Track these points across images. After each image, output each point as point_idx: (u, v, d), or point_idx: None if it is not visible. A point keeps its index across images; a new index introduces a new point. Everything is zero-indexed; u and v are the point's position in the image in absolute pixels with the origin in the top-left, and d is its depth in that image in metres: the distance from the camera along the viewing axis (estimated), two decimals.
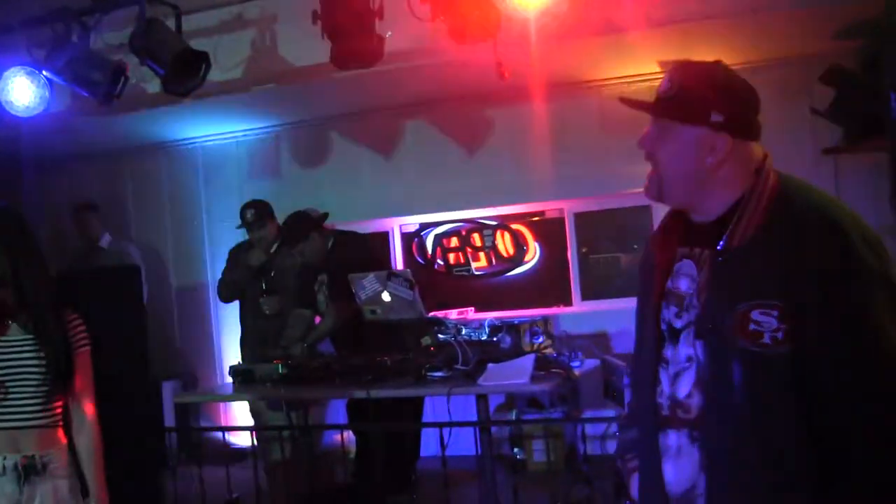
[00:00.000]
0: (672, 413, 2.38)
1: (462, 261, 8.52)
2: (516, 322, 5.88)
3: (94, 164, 9.06)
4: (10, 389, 3.47)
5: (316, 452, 7.03)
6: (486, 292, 8.30)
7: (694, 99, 2.31)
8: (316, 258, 6.79)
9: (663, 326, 2.42)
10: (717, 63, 2.37)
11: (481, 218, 8.47)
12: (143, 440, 6.32)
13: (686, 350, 2.35)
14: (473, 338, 5.88)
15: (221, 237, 8.60)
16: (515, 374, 5.39)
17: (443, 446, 5.48)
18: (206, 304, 9.05)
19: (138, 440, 6.25)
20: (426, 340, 6.01)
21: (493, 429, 6.46)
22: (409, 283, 5.99)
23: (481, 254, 8.46)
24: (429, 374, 5.71)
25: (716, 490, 2.28)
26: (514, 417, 7.41)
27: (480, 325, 5.98)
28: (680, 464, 2.36)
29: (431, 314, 6.21)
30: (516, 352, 5.69)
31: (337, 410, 7.85)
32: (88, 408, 3.68)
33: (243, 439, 7.63)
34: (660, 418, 2.40)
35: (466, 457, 5.80)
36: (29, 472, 3.48)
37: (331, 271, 6.76)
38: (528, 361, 5.44)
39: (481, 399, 5.70)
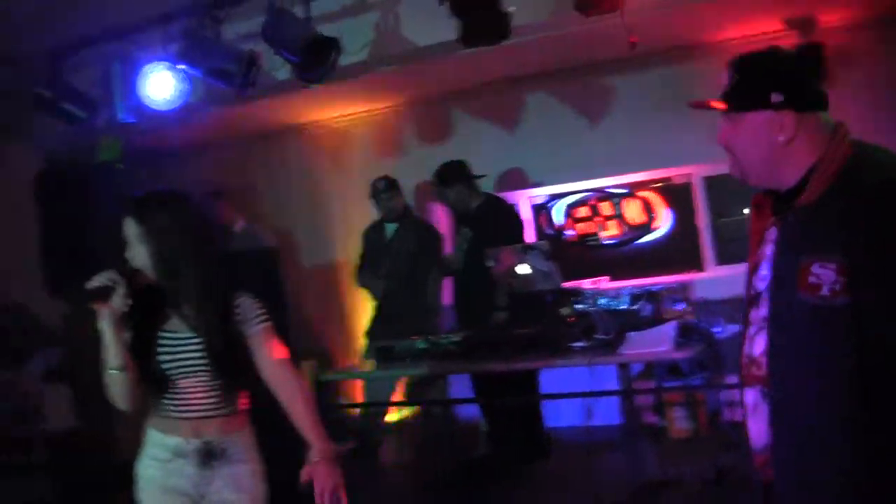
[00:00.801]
0: (748, 371, 2.52)
1: (592, 230, 8.51)
2: (656, 289, 5.85)
3: (224, 152, 9.23)
4: (180, 383, 3.52)
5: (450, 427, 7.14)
6: (617, 261, 8.26)
7: (752, 86, 2.46)
8: (459, 206, 7.06)
9: (752, 291, 2.56)
10: (770, 47, 2.51)
11: (609, 186, 8.44)
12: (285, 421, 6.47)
13: (764, 310, 2.47)
14: (612, 307, 5.88)
15: (351, 217, 8.72)
16: (658, 342, 5.38)
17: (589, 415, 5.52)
18: (338, 284, 9.18)
19: (280, 421, 6.41)
20: (565, 311, 6.02)
21: (634, 398, 6.48)
22: (546, 255, 6.02)
23: (610, 222, 8.43)
24: (569, 344, 5.73)
25: (777, 434, 2.40)
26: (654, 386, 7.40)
27: (618, 293, 5.97)
28: (756, 419, 2.50)
29: (567, 285, 6.24)
30: (657, 319, 5.66)
31: (461, 385, 7.92)
32: (287, 374, 3.64)
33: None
34: (742, 377, 2.56)
35: (604, 426, 5.81)
36: (209, 456, 3.55)
37: (476, 230, 6.95)
38: (669, 329, 5.42)
39: (623, 368, 5.71)
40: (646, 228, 8.27)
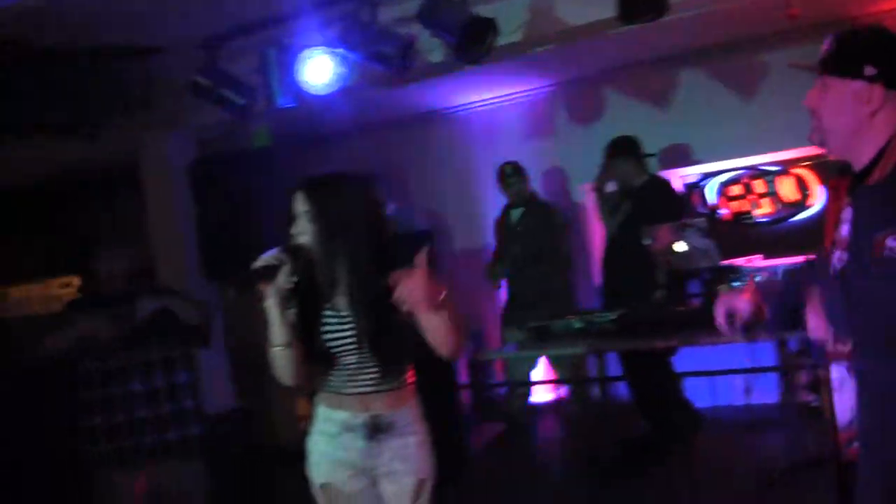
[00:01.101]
0: (833, 348, 2.61)
1: (745, 208, 8.43)
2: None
3: (374, 136, 9.38)
4: (345, 359, 3.59)
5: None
6: (771, 239, 8.17)
7: (849, 55, 2.57)
8: (623, 181, 7.11)
9: (832, 271, 2.60)
10: (874, 24, 2.66)
11: (763, 164, 8.34)
12: (443, 398, 6.60)
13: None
14: None
15: (501, 199, 8.80)
16: None
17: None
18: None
19: (439, 397, 6.54)
20: (722, 289, 5.99)
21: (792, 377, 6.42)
22: (704, 232, 6.01)
23: (764, 200, 8.34)
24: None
25: (864, 402, 2.49)
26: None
27: (775, 271, 5.93)
28: (842, 396, 2.59)
29: (724, 262, 6.21)
30: None
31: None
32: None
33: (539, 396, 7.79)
34: (828, 355, 2.65)
35: (762, 405, 5.78)
36: (376, 430, 3.63)
37: (636, 207, 6.99)
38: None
39: (782, 345, 5.68)
40: (800, 206, 8.16)
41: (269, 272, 3.44)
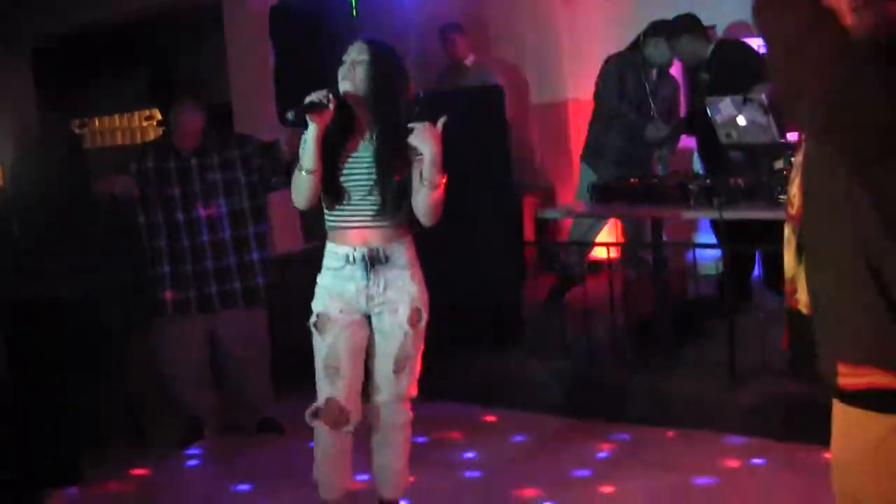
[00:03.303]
0: (785, 209, 2.65)
1: None
2: None
3: None
4: (353, 196, 4.19)
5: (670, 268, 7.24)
6: None
7: None
8: (691, 59, 7.18)
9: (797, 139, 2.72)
10: None
11: None
12: (506, 254, 6.77)
13: (800, 157, 2.58)
14: None
15: (581, 54, 8.79)
16: None
17: None
18: (564, 123, 9.32)
19: (502, 253, 6.71)
20: (779, 164, 6.02)
21: None
22: (764, 109, 6.00)
23: None
24: (780, 197, 5.77)
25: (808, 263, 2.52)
26: None
27: None
28: (788, 252, 2.63)
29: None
30: None
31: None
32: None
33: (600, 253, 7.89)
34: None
35: None
36: (374, 261, 4.21)
37: (712, 76, 7.01)
38: None
39: None
40: None
41: (318, 107, 4.02)
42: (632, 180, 6.72)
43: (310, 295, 4.35)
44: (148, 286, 5.80)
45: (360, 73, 4.13)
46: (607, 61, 7.60)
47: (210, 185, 5.77)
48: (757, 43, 7.34)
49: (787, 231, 2.65)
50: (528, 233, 8.23)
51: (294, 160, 4.31)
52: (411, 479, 4.64)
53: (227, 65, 8.45)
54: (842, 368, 2.41)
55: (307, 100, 4.03)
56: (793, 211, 2.60)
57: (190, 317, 5.82)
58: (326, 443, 4.35)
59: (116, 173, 5.84)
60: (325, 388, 4.27)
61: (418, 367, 4.41)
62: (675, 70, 7.80)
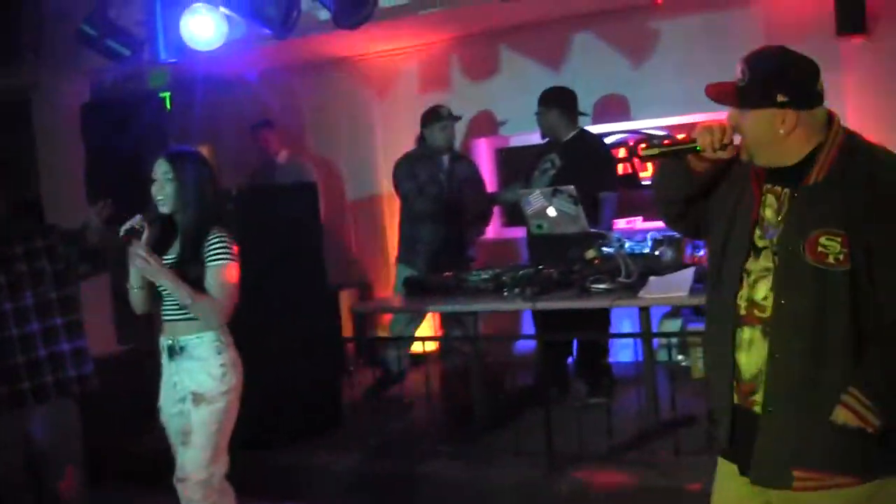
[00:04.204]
0: (748, 312, 2.96)
1: (629, 171, 8.60)
2: (678, 236, 5.97)
3: (271, 82, 9.37)
4: (165, 293, 4.55)
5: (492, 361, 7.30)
6: (653, 203, 8.31)
7: (762, 86, 2.88)
8: (552, 133, 7.24)
9: (749, 245, 2.99)
10: (781, 49, 2.96)
11: (648, 128, 8.50)
12: (323, 349, 6.71)
13: (765, 263, 2.94)
14: (636, 251, 6.05)
15: (395, 151, 8.87)
16: (675, 287, 5.57)
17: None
18: (380, 219, 9.37)
19: (318, 349, 6.65)
20: (590, 254, 6.17)
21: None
22: (574, 199, 6.17)
23: (648, 164, 8.51)
24: (592, 286, 5.90)
25: (775, 368, 2.87)
26: (679, 325, 7.54)
27: (644, 238, 6.11)
28: (751, 354, 2.94)
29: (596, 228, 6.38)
30: (677, 265, 5.83)
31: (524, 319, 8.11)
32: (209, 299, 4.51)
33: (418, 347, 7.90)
34: (736, 317, 2.98)
35: (630, 363, 5.95)
36: (171, 351, 4.58)
37: (563, 161, 7.07)
38: (688, 274, 5.59)
39: (643, 311, 5.87)
40: None
41: (132, 233, 4.41)
42: (446, 274, 6.77)
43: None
44: None
45: (169, 190, 4.52)
46: (397, 163, 7.68)
47: (16, 277, 5.55)
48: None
49: (748, 333, 2.96)
50: (346, 329, 8.19)
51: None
52: None
53: (37, 156, 8.26)
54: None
55: (123, 228, 4.43)
56: (764, 315, 2.92)
57: (3, 416, 5.54)
58: None
59: None
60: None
61: (210, 450, 4.53)
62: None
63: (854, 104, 7.05)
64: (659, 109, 8.22)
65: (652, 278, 5.73)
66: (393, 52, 9.14)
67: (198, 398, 4.49)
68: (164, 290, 4.52)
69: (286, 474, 6.38)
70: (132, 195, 7.35)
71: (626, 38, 8.25)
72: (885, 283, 2.78)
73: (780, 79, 2.89)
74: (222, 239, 4.50)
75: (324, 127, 9.57)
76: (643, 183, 8.52)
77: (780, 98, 2.86)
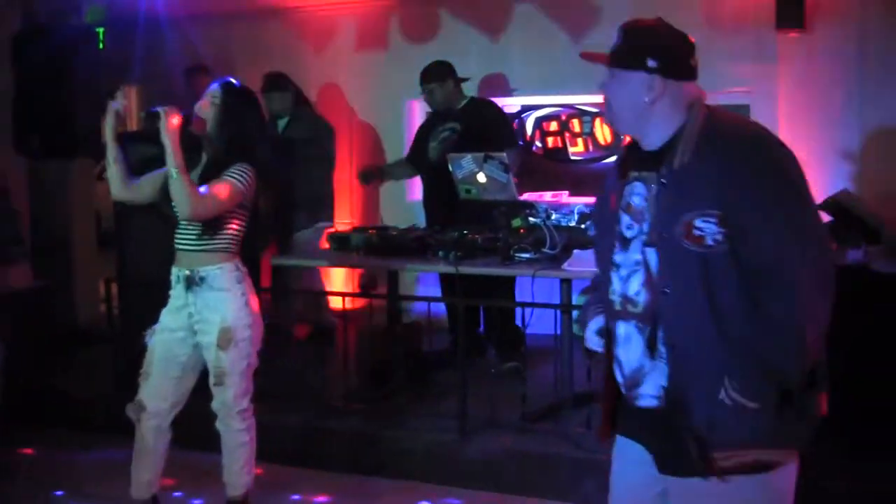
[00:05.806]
0: (623, 308, 2.95)
1: (560, 145, 8.65)
2: None
3: (207, 27, 9.23)
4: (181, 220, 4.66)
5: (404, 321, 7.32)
6: (582, 177, 8.38)
7: (634, 49, 2.90)
8: (443, 105, 7.29)
9: (618, 237, 2.97)
10: (658, 20, 2.96)
11: (582, 104, 8.55)
12: None
13: (635, 256, 2.91)
14: (563, 223, 6.07)
15: (329, 106, 8.82)
16: None
17: (523, 324, 5.76)
18: None
19: None
20: (517, 223, 6.18)
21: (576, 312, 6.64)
22: (505, 167, 6.19)
23: (579, 139, 8.57)
24: (516, 255, 5.93)
25: (674, 358, 2.82)
26: None
27: (571, 211, 6.14)
28: (629, 349, 2.93)
29: (525, 195, 6.40)
30: None
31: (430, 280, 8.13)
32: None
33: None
34: (612, 312, 2.99)
35: (548, 335, 5.97)
36: (190, 282, 4.65)
37: (463, 127, 7.13)
38: None
39: (565, 283, 5.91)
40: (613, 149, 8.38)
41: (156, 115, 4.49)
42: (370, 231, 6.76)
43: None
44: None
45: (211, 112, 4.72)
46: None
47: None
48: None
49: (623, 329, 2.95)
50: (265, 279, 8.14)
51: None
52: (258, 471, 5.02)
53: None
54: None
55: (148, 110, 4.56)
56: (637, 310, 2.90)
57: None
58: (136, 439, 4.84)
59: None
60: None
61: (244, 383, 4.77)
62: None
63: (788, 96, 7.17)
64: (594, 85, 8.22)
65: (576, 251, 5.76)
66: (332, 4, 9.06)
67: (225, 337, 4.61)
68: (180, 216, 4.60)
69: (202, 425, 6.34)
70: (61, 129, 7.28)
71: (568, 13, 8.27)
72: (760, 250, 2.69)
73: (652, 44, 2.90)
74: (242, 167, 4.60)
75: (258, 77, 9.45)
76: (572, 158, 8.57)
77: (650, 63, 2.86)
